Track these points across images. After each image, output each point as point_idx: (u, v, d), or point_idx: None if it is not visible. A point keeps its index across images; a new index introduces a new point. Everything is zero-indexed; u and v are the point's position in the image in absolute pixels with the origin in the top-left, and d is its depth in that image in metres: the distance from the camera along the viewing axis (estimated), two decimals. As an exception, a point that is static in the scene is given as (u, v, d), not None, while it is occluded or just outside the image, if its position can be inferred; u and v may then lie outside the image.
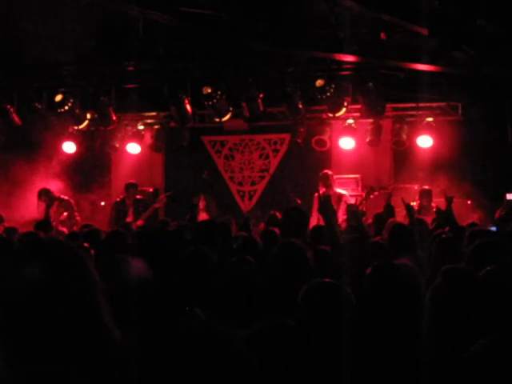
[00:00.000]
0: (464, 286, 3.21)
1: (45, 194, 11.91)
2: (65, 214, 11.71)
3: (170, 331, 1.94)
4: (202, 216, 12.26)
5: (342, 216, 10.64)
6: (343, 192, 12.02)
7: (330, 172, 12.13)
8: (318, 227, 7.01)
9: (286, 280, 4.15)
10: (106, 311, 1.98)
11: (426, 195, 11.43)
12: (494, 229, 8.52)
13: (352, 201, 11.51)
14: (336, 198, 11.39)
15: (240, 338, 1.92)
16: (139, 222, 11.60)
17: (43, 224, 9.44)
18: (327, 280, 3.48)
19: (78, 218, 11.90)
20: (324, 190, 11.42)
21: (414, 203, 11.45)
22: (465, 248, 5.26)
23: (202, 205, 12.41)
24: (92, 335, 1.88)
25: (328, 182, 11.86)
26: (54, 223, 10.92)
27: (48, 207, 11.63)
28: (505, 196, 10.68)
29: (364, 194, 11.45)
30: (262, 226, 9.72)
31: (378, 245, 5.85)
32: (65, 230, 10.59)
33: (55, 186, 12.65)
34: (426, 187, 11.61)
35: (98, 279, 2.03)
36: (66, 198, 12.21)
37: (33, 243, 1.99)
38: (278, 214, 9.06)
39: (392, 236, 6.07)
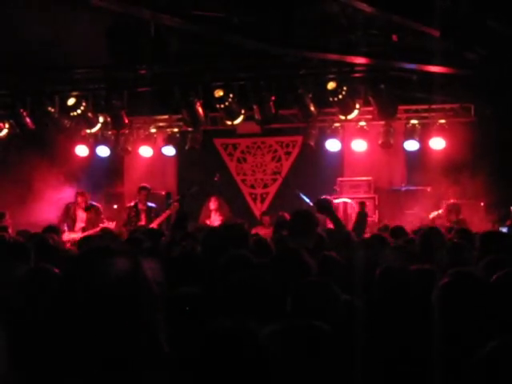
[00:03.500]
0: (470, 287, 3.18)
1: (81, 195, 12.16)
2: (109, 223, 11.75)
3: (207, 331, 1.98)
4: (215, 217, 12.29)
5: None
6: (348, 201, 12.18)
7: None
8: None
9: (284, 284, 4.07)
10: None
11: (454, 210, 11.31)
12: (504, 230, 8.48)
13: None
14: None
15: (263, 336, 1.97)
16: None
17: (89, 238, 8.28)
18: (315, 279, 3.48)
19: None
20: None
21: (440, 211, 11.43)
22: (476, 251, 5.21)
23: (214, 205, 12.45)
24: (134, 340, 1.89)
25: None
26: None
27: (72, 208, 11.87)
28: (510, 209, 10.68)
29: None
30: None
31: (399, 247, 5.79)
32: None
33: (68, 190, 12.73)
34: (451, 201, 11.53)
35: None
36: (96, 204, 12.36)
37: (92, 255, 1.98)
38: (286, 216, 9.01)
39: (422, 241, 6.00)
